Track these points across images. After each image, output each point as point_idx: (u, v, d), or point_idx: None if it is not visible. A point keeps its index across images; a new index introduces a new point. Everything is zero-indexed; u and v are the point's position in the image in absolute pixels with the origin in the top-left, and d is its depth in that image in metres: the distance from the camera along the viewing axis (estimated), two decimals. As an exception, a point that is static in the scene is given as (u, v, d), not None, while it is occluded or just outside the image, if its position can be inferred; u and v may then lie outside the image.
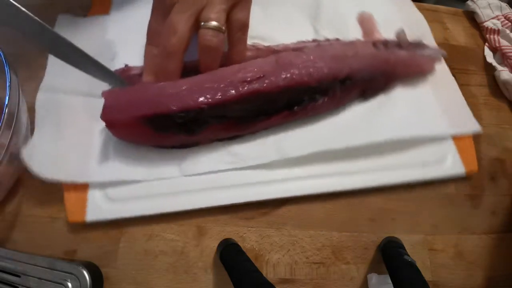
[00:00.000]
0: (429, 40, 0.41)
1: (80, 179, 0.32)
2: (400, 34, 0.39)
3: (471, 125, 0.37)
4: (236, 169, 0.33)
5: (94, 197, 0.32)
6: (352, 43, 0.37)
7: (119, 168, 0.33)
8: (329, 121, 0.36)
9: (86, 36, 0.38)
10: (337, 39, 0.39)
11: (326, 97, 0.34)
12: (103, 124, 0.33)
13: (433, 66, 0.39)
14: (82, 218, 0.31)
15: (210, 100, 0.30)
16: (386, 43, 0.37)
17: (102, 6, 0.41)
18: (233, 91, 0.31)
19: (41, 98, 0.35)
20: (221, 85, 0.31)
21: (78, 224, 0.32)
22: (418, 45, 0.39)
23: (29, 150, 0.32)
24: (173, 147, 0.34)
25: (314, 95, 0.33)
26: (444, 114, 0.37)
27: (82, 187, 0.32)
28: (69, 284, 0.28)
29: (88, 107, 0.35)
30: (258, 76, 0.31)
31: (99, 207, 0.32)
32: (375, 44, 0.37)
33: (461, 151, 0.36)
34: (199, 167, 0.33)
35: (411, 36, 0.40)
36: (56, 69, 0.36)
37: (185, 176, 0.33)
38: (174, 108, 0.30)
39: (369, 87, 0.36)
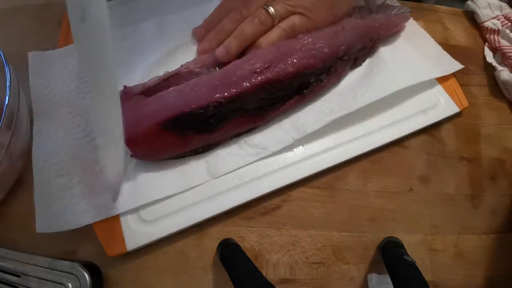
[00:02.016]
0: (392, 1, 0.44)
1: (109, 214, 0.31)
2: (369, 0, 0.42)
3: (452, 65, 0.40)
4: (261, 158, 0.34)
5: (128, 224, 0.31)
6: (341, 25, 0.39)
7: (148, 188, 0.32)
8: (332, 93, 0.38)
9: (64, 68, 0.37)
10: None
11: (329, 75, 0.36)
12: (112, 148, 0.33)
13: (404, 22, 0.42)
14: (123, 250, 0.30)
15: (226, 93, 0.31)
16: (360, 11, 0.40)
17: (70, 36, 0.39)
18: (247, 83, 0.32)
19: (37, 144, 0.33)
20: (233, 79, 0.32)
21: (118, 256, 0.31)
22: (386, 6, 0.42)
23: (44, 210, 0.30)
24: (195, 152, 0.33)
25: (320, 76, 0.35)
26: (427, 61, 0.40)
27: (113, 220, 0.31)
28: (69, 284, 0.28)
29: (89, 134, 0.34)
30: (266, 65, 0.33)
31: (136, 233, 0.31)
32: (351, 15, 0.40)
33: (449, 91, 0.39)
34: (227, 166, 0.33)
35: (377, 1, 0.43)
36: (42, 110, 0.35)
37: (215, 178, 0.33)
38: (194, 105, 0.30)
39: (361, 55, 0.39)
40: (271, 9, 0.35)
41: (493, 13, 0.46)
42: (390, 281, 0.29)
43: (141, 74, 0.36)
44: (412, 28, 0.43)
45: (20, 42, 0.41)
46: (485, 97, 0.42)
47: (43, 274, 0.28)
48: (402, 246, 0.32)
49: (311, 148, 0.35)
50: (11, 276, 0.28)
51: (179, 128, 0.30)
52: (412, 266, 0.28)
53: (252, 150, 0.34)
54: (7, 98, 0.29)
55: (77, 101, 0.35)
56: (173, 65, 0.35)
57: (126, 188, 0.32)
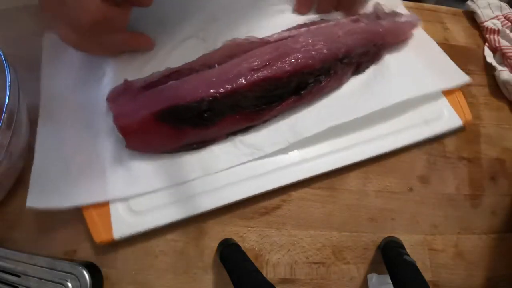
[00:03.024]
0: (401, 9, 0.43)
1: (99, 199, 0.31)
2: (377, 6, 0.41)
3: (460, 78, 0.39)
4: (255, 159, 0.33)
5: (117, 212, 0.31)
6: (338, 22, 0.38)
7: (140, 180, 0.32)
8: (332, 98, 0.37)
9: (75, 53, 0.37)
10: (322, 20, 0.40)
11: (328, 78, 0.35)
12: (110, 138, 0.33)
13: (413, 30, 0.41)
14: (109, 237, 0.30)
15: (221, 89, 0.31)
16: (367, 17, 0.39)
17: None
18: (243, 80, 0.32)
19: (42, 124, 0.34)
20: (230, 76, 0.32)
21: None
22: (394, 14, 0.41)
23: (38, 187, 0.31)
24: (190, 147, 0.33)
25: (318, 77, 0.35)
26: (433, 72, 0.39)
27: (103, 206, 0.31)
28: (69, 284, 0.28)
29: (90, 123, 0.34)
30: (264, 64, 0.33)
31: (124, 222, 0.31)
32: (358, 19, 0.39)
33: (453, 104, 0.38)
34: (221, 164, 0.33)
35: (386, 7, 0.41)
36: (50, 91, 0.35)
37: (208, 175, 0.33)
38: (188, 98, 0.31)
39: (364, 61, 0.38)
40: None
41: (493, 13, 0.46)
42: (390, 281, 0.29)
43: (143, 69, 0.36)
44: (420, 36, 0.42)
45: (20, 42, 0.41)
46: (485, 97, 0.42)
47: (43, 274, 0.28)
48: (402, 246, 0.32)
49: (309, 151, 0.35)
50: (11, 276, 0.28)
51: (173, 120, 0.31)
52: (412, 266, 0.28)
53: (247, 149, 0.34)
54: (7, 98, 0.29)
55: (86, 87, 0.36)
56: (176, 62, 0.35)
57: (119, 177, 0.32)
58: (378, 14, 0.40)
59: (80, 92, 0.36)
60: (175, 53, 0.37)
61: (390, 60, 0.39)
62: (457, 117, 0.38)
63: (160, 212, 0.32)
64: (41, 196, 0.30)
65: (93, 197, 0.31)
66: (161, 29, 0.39)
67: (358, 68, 0.39)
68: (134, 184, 0.32)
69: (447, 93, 0.39)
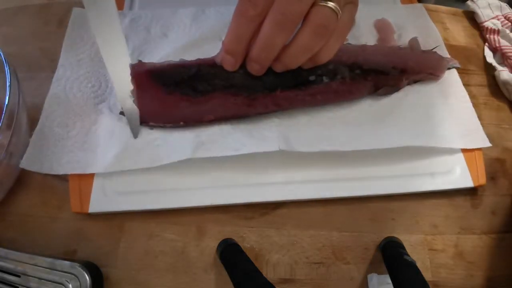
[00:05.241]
0: (443, 51, 0.41)
1: (86, 171, 0.32)
2: (413, 42, 0.39)
3: (481, 141, 0.36)
4: (239, 154, 0.32)
5: (99, 189, 0.32)
6: (363, 45, 0.37)
7: (126, 158, 0.33)
8: (340, 119, 0.35)
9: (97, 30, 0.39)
10: (348, 43, 0.38)
11: (334, 82, 0.34)
12: (110, 115, 0.34)
13: (444, 68, 0.38)
14: (85, 209, 0.32)
15: (211, 60, 0.32)
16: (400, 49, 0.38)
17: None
18: None
19: (53, 92, 0.36)
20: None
21: (80, 215, 0.32)
22: (432, 53, 0.38)
23: (35, 151, 0.32)
24: (177, 124, 0.33)
25: (321, 77, 0.34)
26: (456, 126, 0.36)
27: (88, 179, 0.32)
28: (69, 284, 0.28)
29: (99, 97, 0.36)
30: None
31: (103, 199, 0.32)
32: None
33: (469, 163, 0.36)
34: (209, 152, 0.32)
35: (424, 46, 0.39)
36: (68, 62, 0.37)
37: (194, 157, 0.32)
38: (181, 64, 0.33)
39: (382, 82, 0.36)
40: (330, 4, 0.25)
41: (493, 13, 0.46)
42: (390, 281, 0.29)
43: (161, 56, 0.38)
44: (455, 87, 0.39)
45: (20, 42, 0.41)
46: (485, 97, 0.42)
47: (43, 274, 0.28)
48: (402, 246, 0.32)
49: (292, 176, 0.34)
50: (11, 276, 0.28)
51: (164, 80, 0.32)
52: (412, 266, 0.28)
53: (232, 143, 0.33)
54: (7, 98, 0.29)
55: (100, 62, 0.37)
56: (193, 56, 0.35)
57: (108, 152, 0.33)
58: (412, 50, 0.38)
59: (98, 65, 0.37)
60: (194, 48, 0.38)
61: (413, 99, 0.37)
62: (469, 178, 0.35)
63: (138, 197, 0.32)
64: (35, 160, 0.32)
65: (79, 168, 0.32)
66: (190, 23, 0.41)
67: (377, 89, 0.36)
68: (119, 162, 0.33)
69: (466, 150, 0.36)
